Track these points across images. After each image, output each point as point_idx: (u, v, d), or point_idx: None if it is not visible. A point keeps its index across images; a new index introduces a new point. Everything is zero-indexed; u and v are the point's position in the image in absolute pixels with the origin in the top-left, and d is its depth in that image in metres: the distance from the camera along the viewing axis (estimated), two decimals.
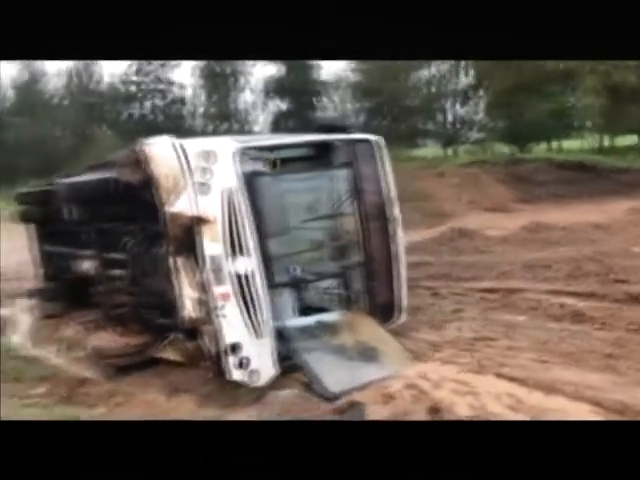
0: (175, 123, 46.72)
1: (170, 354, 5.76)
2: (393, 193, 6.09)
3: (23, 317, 9.17)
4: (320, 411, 4.70)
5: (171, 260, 5.11)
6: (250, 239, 5.04)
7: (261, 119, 46.18)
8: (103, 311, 6.93)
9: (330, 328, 5.65)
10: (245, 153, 5.31)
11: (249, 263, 5.02)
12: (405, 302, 6.18)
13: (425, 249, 11.27)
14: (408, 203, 17.03)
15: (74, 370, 6.20)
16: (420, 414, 4.38)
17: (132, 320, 6.27)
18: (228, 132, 43.59)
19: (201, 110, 48.17)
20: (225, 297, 4.91)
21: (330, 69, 40.31)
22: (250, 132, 45.55)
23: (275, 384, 5.20)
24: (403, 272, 6.16)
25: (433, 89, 35.64)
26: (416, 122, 35.03)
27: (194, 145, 5.06)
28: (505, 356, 5.40)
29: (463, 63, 31.34)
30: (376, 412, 4.47)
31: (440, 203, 17.68)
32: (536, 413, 4.26)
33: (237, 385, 5.14)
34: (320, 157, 6.10)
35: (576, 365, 5.10)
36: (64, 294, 8.61)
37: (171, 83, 47.60)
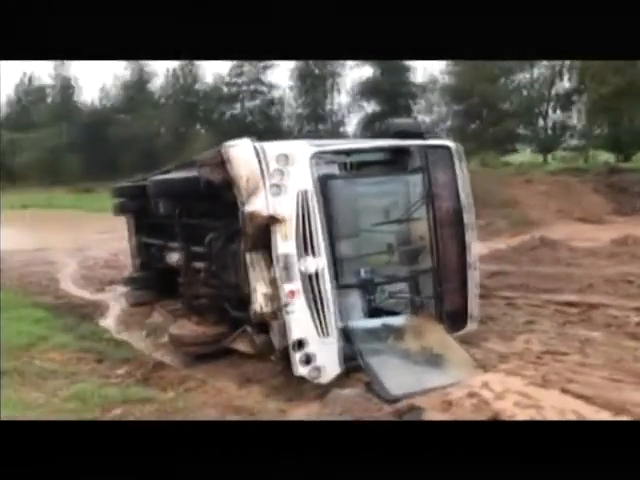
0: (268, 124, 48.24)
1: (241, 346, 6.05)
2: (469, 200, 6.08)
3: (115, 303, 9.89)
4: (381, 412, 4.81)
5: (247, 256, 5.40)
6: (320, 240, 5.21)
7: (353, 121, 46.56)
8: (185, 301, 7.37)
9: (396, 331, 5.71)
10: (320, 157, 5.49)
11: (318, 263, 5.19)
12: (476, 311, 6.15)
13: (506, 258, 11.02)
14: (494, 210, 16.79)
15: (155, 355, 6.65)
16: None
17: (210, 311, 6.62)
18: (320, 133, 44.47)
19: (294, 111, 49.35)
20: (293, 294, 5.11)
21: (424, 71, 39.98)
22: (342, 134, 46.13)
23: (339, 383, 5.34)
24: (476, 280, 6.13)
25: (529, 92, 34.54)
26: (511, 126, 34.03)
27: (272, 148, 5.29)
28: (574, 372, 5.23)
29: (559, 65, 30.04)
30: (434, 418, 4.51)
31: (527, 211, 17.12)
32: None
33: (302, 380, 5.33)
34: (395, 162, 6.19)
35: None
36: (154, 283, 9.18)
37: (266, 84, 49.12)
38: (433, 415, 4.55)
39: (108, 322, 8.83)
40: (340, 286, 5.54)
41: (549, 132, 34.15)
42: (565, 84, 32.97)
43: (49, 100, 52.96)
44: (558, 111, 34.13)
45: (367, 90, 43.73)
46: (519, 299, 8.18)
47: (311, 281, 5.20)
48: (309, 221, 5.21)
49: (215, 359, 6.33)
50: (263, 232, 5.19)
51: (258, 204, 5.14)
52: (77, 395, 4.54)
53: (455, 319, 6.07)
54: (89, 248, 16.56)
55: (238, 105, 49.83)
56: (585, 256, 10.49)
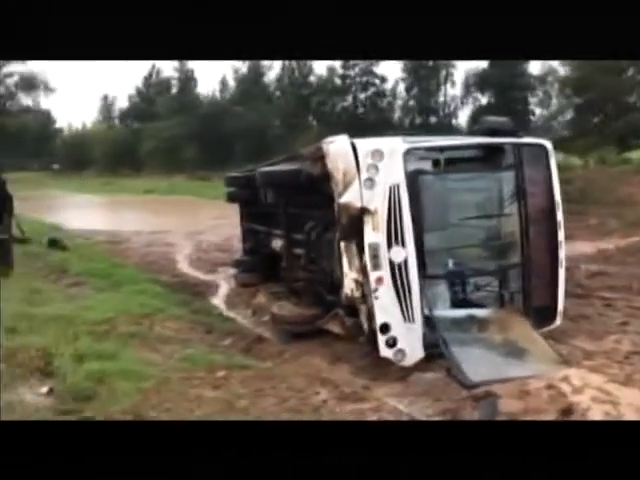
0: (378, 115, 48.48)
1: (334, 327, 6.52)
2: (559, 197, 6.13)
3: (224, 283, 10.75)
4: (459, 396, 5.08)
5: (340, 244, 5.84)
6: (407, 232, 5.54)
7: (462, 113, 45.73)
8: (286, 284, 7.97)
9: (481, 323, 5.91)
10: (413, 153, 5.80)
11: (405, 253, 5.53)
12: (561, 307, 6.20)
13: (612, 259, 10.70)
14: (608, 209, 16.05)
15: (256, 330, 7.31)
16: (551, 414, 4.54)
17: (307, 294, 7.17)
18: (427, 126, 44.07)
19: (406, 103, 49.21)
20: (380, 281, 5.49)
21: (542, 63, 38.28)
22: (453, 126, 45.47)
23: (422, 367, 5.67)
24: (563, 277, 6.18)
25: None
26: (635, 120, 31.83)
27: (367, 144, 5.67)
28: None
29: None
30: (508, 404, 4.72)
31: None
32: None
33: (388, 362, 5.71)
34: (489, 159, 6.35)
35: None
36: (260, 267, 9.91)
37: (378, 76, 49.34)
38: (508, 402, 4.76)
39: (218, 300, 9.67)
40: (427, 276, 5.83)
41: None
42: None
43: (172, 92, 56.32)
44: None
45: (482, 82, 42.70)
46: (619, 300, 8.00)
47: (398, 270, 5.54)
48: (399, 214, 5.55)
49: (310, 338, 6.84)
50: (356, 222, 5.59)
51: (352, 196, 5.55)
52: (188, 358, 5.23)
53: (543, 315, 6.16)
54: (204, 232, 17.73)
55: (350, 97, 50.56)
56: None
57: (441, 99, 47.69)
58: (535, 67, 39.72)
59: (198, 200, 29.16)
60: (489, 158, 6.34)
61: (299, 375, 5.38)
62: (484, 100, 43.18)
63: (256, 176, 8.18)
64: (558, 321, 6.24)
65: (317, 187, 6.15)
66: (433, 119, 47.50)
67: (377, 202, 5.53)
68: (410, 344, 5.58)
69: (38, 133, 59.62)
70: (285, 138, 43.87)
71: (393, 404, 4.90)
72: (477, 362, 5.43)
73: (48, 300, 6.79)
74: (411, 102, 48.52)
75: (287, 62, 50.28)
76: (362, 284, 5.66)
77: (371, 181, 5.54)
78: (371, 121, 47.26)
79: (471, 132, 6.59)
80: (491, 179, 6.30)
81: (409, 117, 47.95)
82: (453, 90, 46.57)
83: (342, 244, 5.78)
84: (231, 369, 5.08)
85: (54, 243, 12.94)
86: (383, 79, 49.26)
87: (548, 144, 6.18)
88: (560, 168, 6.56)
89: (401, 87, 48.88)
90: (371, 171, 5.54)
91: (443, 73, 46.30)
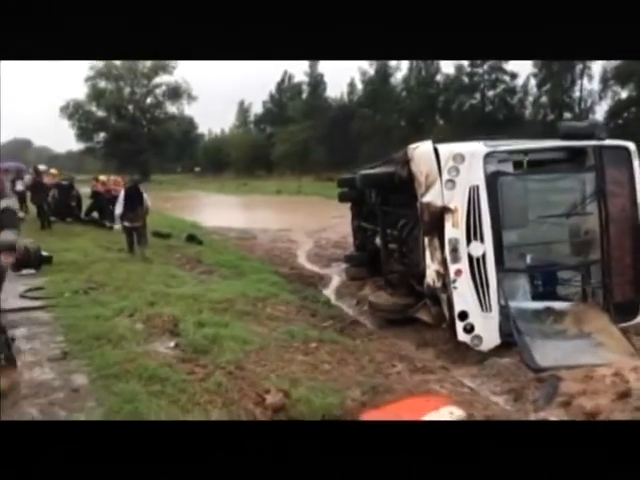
0: (508, 112, 47.20)
1: (423, 315, 7.19)
2: None
3: (336, 277, 11.70)
4: (526, 378, 5.56)
5: (424, 239, 6.52)
6: (487, 228, 6.08)
7: (604, 108, 43.17)
8: (383, 275, 8.73)
9: (557, 315, 6.29)
10: (493, 156, 6.32)
11: (482, 248, 6.08)
12: None
13: None
14: None
15: (354, 316, 8.16)
16: (608, 396, 4.90)
17: (400, 285, 7.88)
18: (559, 120, 42.13)
19: (534, 99, 47.44)
20: (459, 273, 6.09)
21: None
22: (583, 121, 43.14)
23: (499, 353, 6.18)
24: None
25: None
26: None
27: (450, 148, 6.29)
28: None
29: None
30: (568, 386, 5.14)
31: None
32: None
33: (467, 347, 6.30)
34: (571, 161, 6.67)
35: None
36: (368, 261, 10.72)
37: (507, 72, 47.99)
38: (568, 385, 5.17)
39: (328, 291, 10.63)
40: (505, 269, 6.32)
41: None
42: None
43: (303, 96, 58.65)
44: None
45: (622, 74, 40.06)
46: None
47: (477, 263, 6.11)
48: (478, 212, 6.11)
49: (403, 324, 7.55)
50: (437, 220, 6.24)
51: (434, 196, 6.21)
52: (288, 332, 6.17)
53: (625, 310, 6.38)
54: (325, 230, 18.87)
55: (478, 95, 49.68)
56: None
57: (577, 94, 45.33)
58: None
59: (323, 200, 30.48)
60: (572, 160, 6.65)
61: (381, 352, 6.14)
62: (625, 94, 40.41)
63: (360, 177, 9.01)
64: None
65: (407, 188, 6.85)
66: (568, 115, 45.25)
67: (457, 201, 6.13)
68: (487, 331, 6.12)
69: (182, 139, 64.82)
70: (412, 138, 43.98)
71: (459, 379, 5.52)
72: (548, 349, 5.85)
73: (181, 283, 8.11)
74: (543, 98, 46.59)
75: (414, 62, 50.45)
76: (443, 275, 6.29)
77: (452, 182, 6.16)
78: (499, 118, 46.20)
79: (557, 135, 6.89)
80: (573, 180, 6.61)
81: (541, 114, 46.04)
82: (590, 84, 44.14)
83: (426, 239, 6.45)
84: (323, 342, 5.96)
85: (191, 238, 14.70)
86: (513, 75, 47.86)
87: (631, 146, 6.38)
88: None
89: (532, 83, 47.11)
90: (452, 173, 6.16)
91: (579, 67, 43.96)
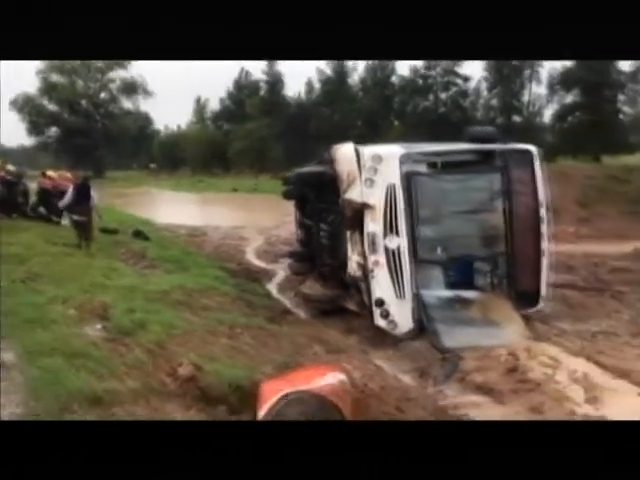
0: (460, 115, 48.38)
1: (350, 304, 7.74)
2: (545, 196, 6.99)
3: (281, 272, 12.12)
4: (432, 357, 6.14)
5: (347, 233, 7.04)
6: (402, 223, 6.65)
7: (550, 112, 44.74)
8: (316, 268, 9.24)
9: (465, 302, 6.92)
10: (408, 157, 6.88)
11: (398, 241, 6.65)
12: (544, 292, 7.05)
13: None
14: None
15: (290, 307, 8.65)
16: (498, 371, 5.52)
17: (330, 276, 8.40)
18: (509, 125, 43.57)
19: (488, 102, 48.80)
20: (376, 264, 6.65)
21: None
22: (537, 125, 44.77)
23: (414, 337, 6.75)
24: (546, 266, 7.03)
25: None
26: None
27: (369, 150, 6.84)
28: (614, 349, 6.00)
29: None
30: (466, 364, 5.75)
31: None
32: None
33: (385, 333, 6.85)
34: (479, 162, 7.30)
35: None
36: (308, 257, 11.18)
37: (460, 76, 49.22)
38: (466, 363, 5.78)
39: (271, 285, 11.05)
40: (419, 260, 6.89)
41: None
42: None
43: (261, 94, 58.52)
44: None
45: (568, 80, 41.62)
46: (628, 294, 8.61)
47: (393, 254, 6.68)
48: (395, 208, 6.68)
49: (332, 314, 8.05)
50: (358, 215, 6.78)
51: (355, 193, 6.75)
52: (217, 319, 6.54)
53: (527, 298, 7.05)
54: (277, 228, 19.21)
55: (431, 96, 50.78)
56: None
57: (525, 98, 46.90)
58: (625, 64, 38.29)
59: (279, 198, 30.79)
60: (482, 161, 7.29)
61: (304, 336, 6.64)
62: (570, 99, 42.00)
63: (298, 176, 9.49)
64: (541, 304, 7.10)
65: (336, 186, 7.35)
66: (517, 118, 46.81)
67: (376, 198, 6.69)
68: (401, 316, 6.71)
69: (137, 134, 63.92)
70: (368, 138, 44.79)
71: (368, 358, 6.09)
72: (454, 332, 6.47)
73: (121, 276, 8.38)
74: (493, 101, 48.04)
75: (370, 62, 51.17)
76: (363, 266, 6.83)
77: (371, 181, 6.71)
78: (452, 120, 47.39)
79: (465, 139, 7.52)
80: (482, 179, 7.24)
81: (491, 116, 47.41)
82: (538, 89, 45.73)
83: (348, 233, 6.99)
84: (249, 328, 6.41)
85: (138, 234, 14.84)
86: (466, 79, 49.12)
87: (533, 149, 7.06)
88: None
89: (484, 86, 48.49)
90: (371, 172, 6.71)
91: (527, 72, 45.51)
